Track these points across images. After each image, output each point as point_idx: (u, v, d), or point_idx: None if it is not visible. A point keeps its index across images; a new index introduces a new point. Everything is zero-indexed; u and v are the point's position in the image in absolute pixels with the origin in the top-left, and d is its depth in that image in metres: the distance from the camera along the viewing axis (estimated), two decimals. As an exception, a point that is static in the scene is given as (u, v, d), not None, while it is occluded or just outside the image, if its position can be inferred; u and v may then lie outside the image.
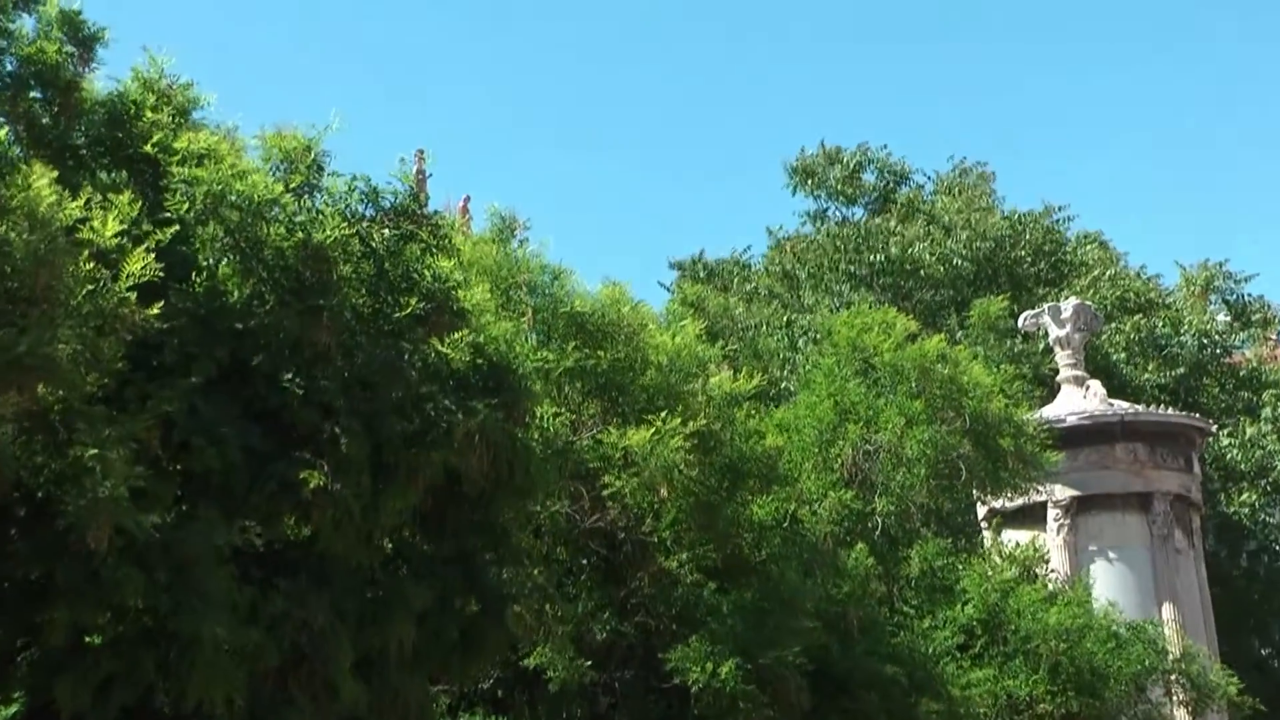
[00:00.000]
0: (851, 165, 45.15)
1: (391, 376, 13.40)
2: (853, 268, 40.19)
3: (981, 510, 30.53)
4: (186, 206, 12.71)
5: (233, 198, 12.74)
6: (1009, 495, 25.75)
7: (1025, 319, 33.67)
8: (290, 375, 12.81)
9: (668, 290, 42.74)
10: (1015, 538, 27.44)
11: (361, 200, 13.86)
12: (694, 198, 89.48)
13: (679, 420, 18.09)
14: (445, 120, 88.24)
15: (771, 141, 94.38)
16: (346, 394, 13.07)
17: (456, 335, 13.82)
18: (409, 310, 13.64)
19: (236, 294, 12.92)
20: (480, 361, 14.34)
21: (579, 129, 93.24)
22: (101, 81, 13.88)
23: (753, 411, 20.88)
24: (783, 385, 32.55)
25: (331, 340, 13.02)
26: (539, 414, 16.59)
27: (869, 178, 45.94)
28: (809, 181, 45.13)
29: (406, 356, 13.67)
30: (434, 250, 14.17)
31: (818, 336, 32.59)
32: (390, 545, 14.12)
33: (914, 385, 23.48)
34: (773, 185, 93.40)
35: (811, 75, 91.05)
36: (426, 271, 13.89)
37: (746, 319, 37.80)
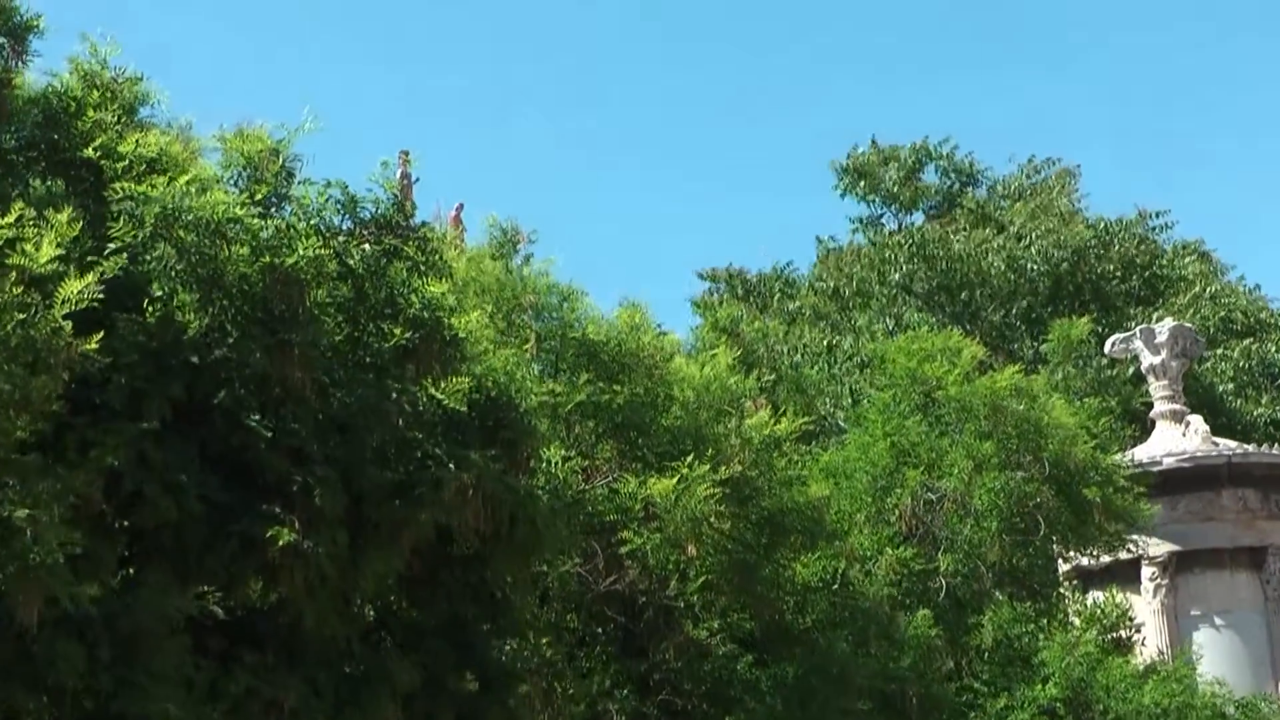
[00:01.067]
0: (910, 164, 45.26)
1: (373, 418, 13.38)
2: (911, 283, 40.19)
3: (1063, 569, 30.11)
4: (134, 230, 12.73)
5: (188, 216, 12.76)
6: (1096, 552, 25.65)
7: (1114, 343, 33.44)
8: (256, 417, 12.84)
9: (697, 309, 42.83)
10: (1103, 601, 27.23)
11: (337, 211, 13.89)
12: (726, 207, 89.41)
13: (708, 466, 18.06)
14: (435, 116, 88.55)
15: (815, 142, 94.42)
16: (321, 438, 13.07)
17: (451, 377, 13.84)
18: (394, 341, 13.64)
19: (194, 325, 12.92)
20: (477, 397, 14.35)
21: (591, 127, 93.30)
22: (36, 76, 13.95)
23: (795, 455, 20.93)
24: (830, 423, 32.71)
25: (304, 377, 13.01)
26: (545, 459, 16.59)
27: (930, 178, 46.12)
28: (861, 183, 45.24)
29: (391, 395, 13.67)
30: (423, 269, 14.14)
31: (870, 365, 32.56)
32: (372, 613, 14.09)
33: (984, 423, 23.51)
34: (818, 190, 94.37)
35: (859, 69, 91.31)
36: (414, 295, 13.87)
37: (788, 344, 37.79)
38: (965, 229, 42.23)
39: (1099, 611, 24.74)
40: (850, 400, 31.47)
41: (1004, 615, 23.06)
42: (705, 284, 45.56)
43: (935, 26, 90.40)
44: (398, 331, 13.66)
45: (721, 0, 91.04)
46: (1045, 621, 24.28)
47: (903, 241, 41.13)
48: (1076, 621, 24.40)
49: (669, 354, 20.08)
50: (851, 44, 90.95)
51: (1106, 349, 34.29)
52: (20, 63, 13.68)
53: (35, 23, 13.67)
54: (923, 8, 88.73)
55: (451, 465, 13.38)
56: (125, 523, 12.31)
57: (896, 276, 40.34)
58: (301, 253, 13.10)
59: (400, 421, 13.69)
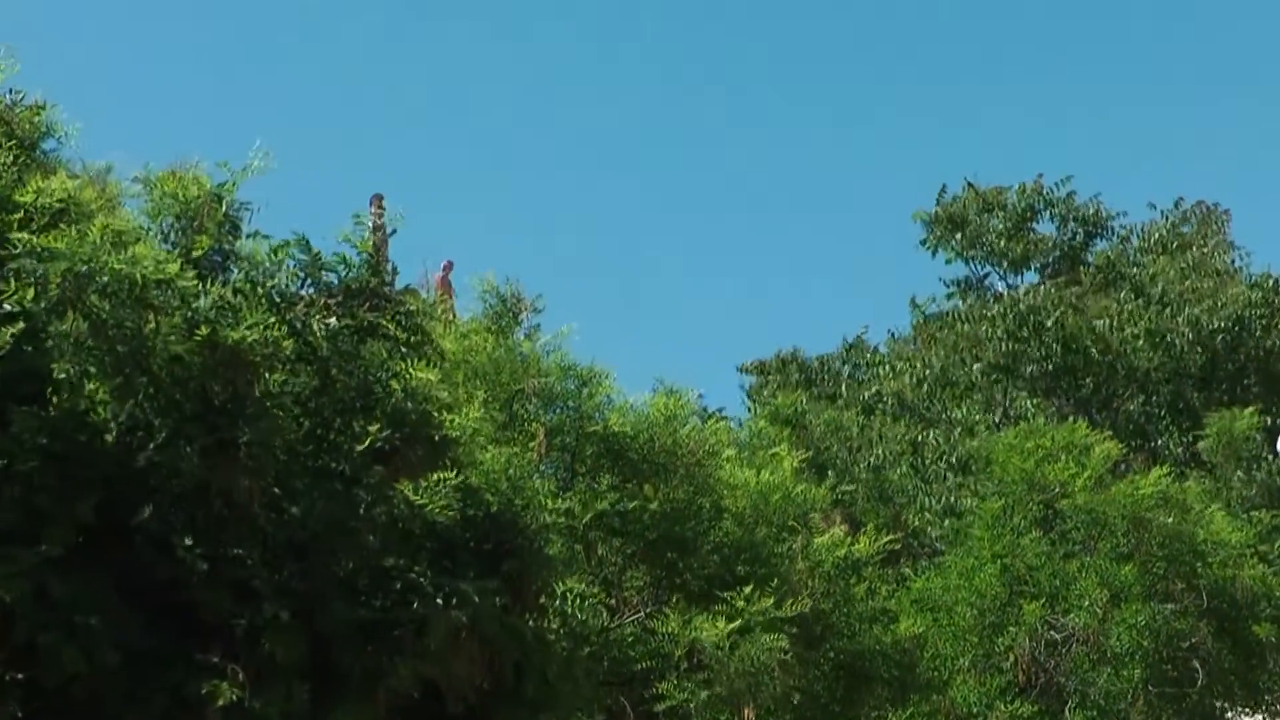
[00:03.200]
0: (1019, 210, 45.06)
1: (340, 540, 13.33)
2: (1015, 363, 39.92)
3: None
4: (33, 295, 12.58)
5: (103, 278, 12.61)
6: (1273, 707, 25.49)
7: (1288, 439, 33.41)
8: (189, 541, 12.69)
9: (749, 401, 42.49)
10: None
11: (297, 275, 13.84)
12: (767, 286, 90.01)
13: (771, 599, 17.92)
14: (416, 159, 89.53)
15: (886, 193, 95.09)
16: (273, 566, 12.98)
17: (437, 476, 13.76)
18: (369, 442, 13.55)
19: (110, 420, 12.83)
20: (473, 513, 14.23)
21: (610, 175, 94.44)
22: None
23: (879, 583, 20.84)
24: (923, 541, 32.46)
25: (251, 487, 12.95)
26: (559, 591, 16.50)
27: (1046, 229, 45.87)
28: (956, 236, 45.00)
29: (363, 510, 13.60)
30: (405, 349, 14.10)
31: (973, 466, 32.38)
32: (338, 793, 14.05)
33: (1122, 541, 23.45)
34: (900, 248, 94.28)
35: (933, 105, 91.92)
36: (394, 382, 13.80)
37: (864, 440, 37.54)
38: (1092, 292, 42.03)
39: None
40: (948, 512, 31.21)
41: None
42: (748, 380, 45.17)
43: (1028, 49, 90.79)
44: (373, 429, 13.57)
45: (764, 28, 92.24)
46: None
47: (1008, 309, 40.77)
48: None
49: (715, 450, 19.82)
50: (923, 77, 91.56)
51: (1279, 446, 34.07)
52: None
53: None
54: (1002, 25, 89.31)
55: (440, 600, 13.30)
56: (19, 676, 12.12)
57: (996, 354, 40.01)
58: (250, 327, 13.00)
59: (375, 543, 13.63)
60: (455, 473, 14.03)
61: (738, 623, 17.78)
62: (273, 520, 13.27)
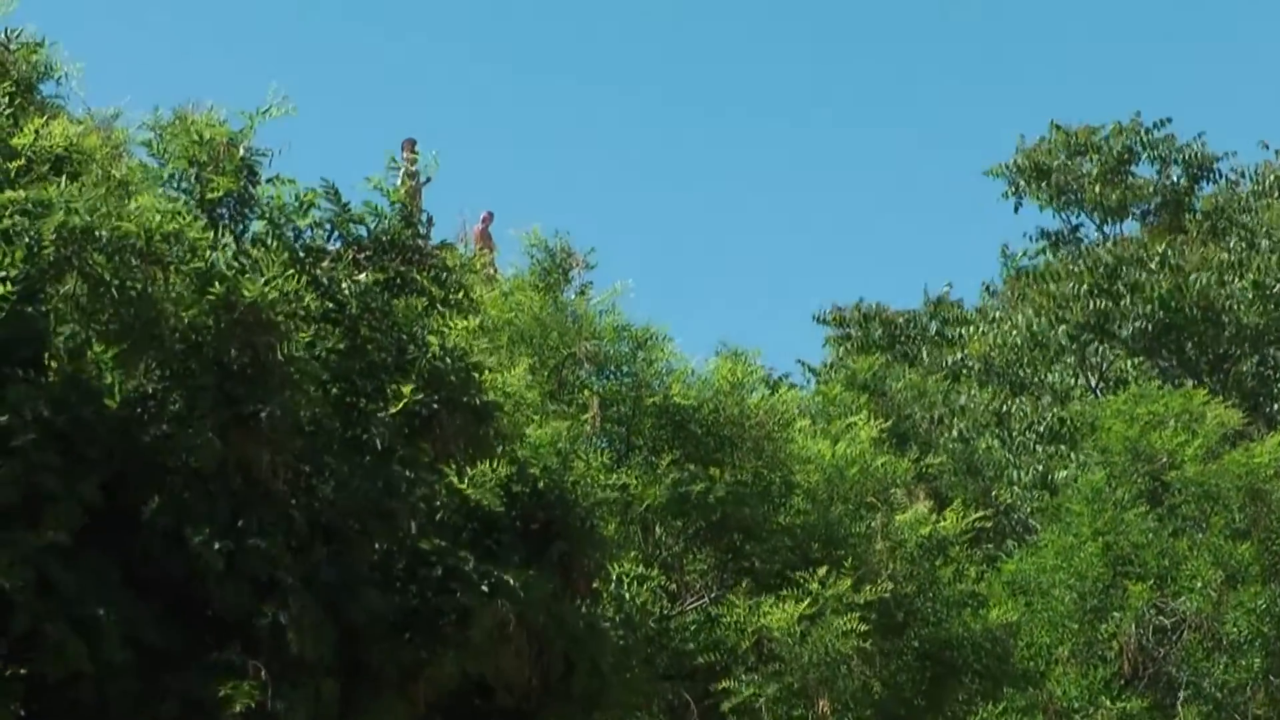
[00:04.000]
0: (1116, 153, 44.68)
1: (373, 521, 13.28)
2: (1107, 322, 39.63)
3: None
4: (28, 254, 12.40)
5: (106, 232, 12.49)
6: None
7: None
8: (205, 529, 12.50)
9: (813, 376, 42.21)
10: None
11: (322, 228, 13.84)
12: (847, 234, 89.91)
13: (848, 582, 17.94)
14: (453, 102, 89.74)
15: (956, 147, 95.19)
16: (299, 553, 12.90)
17: (484, 462, 13.70)
18: (401, 406, 13.47)
19: (116, 390, 12.78)
20: (519, 489, 14.21)
21: (669, 123, 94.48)
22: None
23: (968, 564, 20.73)
24: (1016, 519, 32.43)
25: (275, 464, 12.88)
26: (613, 575, 16.55)
27: (1145, 172, 45.49)
28: (1043, 183, 44.67)
29: (399, 488, 13.49)
30: (441, 306, 14.09)
31: (1070, 435, 32.33)
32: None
33: (1238, 517, 23.35)
34: (980, 201, 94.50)
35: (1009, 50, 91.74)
36: (431, 340, 13.74)
37: (949, 408, 37.37)
38: (1200, 241, 41.72)
39: None
40: (1044, 487, 31.12)
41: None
42: (825, 332, 44.82)
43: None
44: (407, 392, 13.45)
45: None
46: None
47: (1117, 264, 40.47)
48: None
49: (787, 420, 19.73)
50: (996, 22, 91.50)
51: None
52: None
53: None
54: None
55: (485, 588, 13.25)
56: (21, 671, 12.06)
57: (1085, 312, 39.69)
58: (270, 282, 12.91)
59: (412, 525, 13.57)
60: (499, 446, 14.03)
61: (809, 606, 17.75)
62: (298, 502, 13.17)
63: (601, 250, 23.23)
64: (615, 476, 17.56)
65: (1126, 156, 45.40)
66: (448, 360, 13.79)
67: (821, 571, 18.01)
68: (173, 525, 12.64)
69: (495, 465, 13.84)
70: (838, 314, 44.47)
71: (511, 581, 13.33)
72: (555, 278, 20.42)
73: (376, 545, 13.39)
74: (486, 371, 14.19)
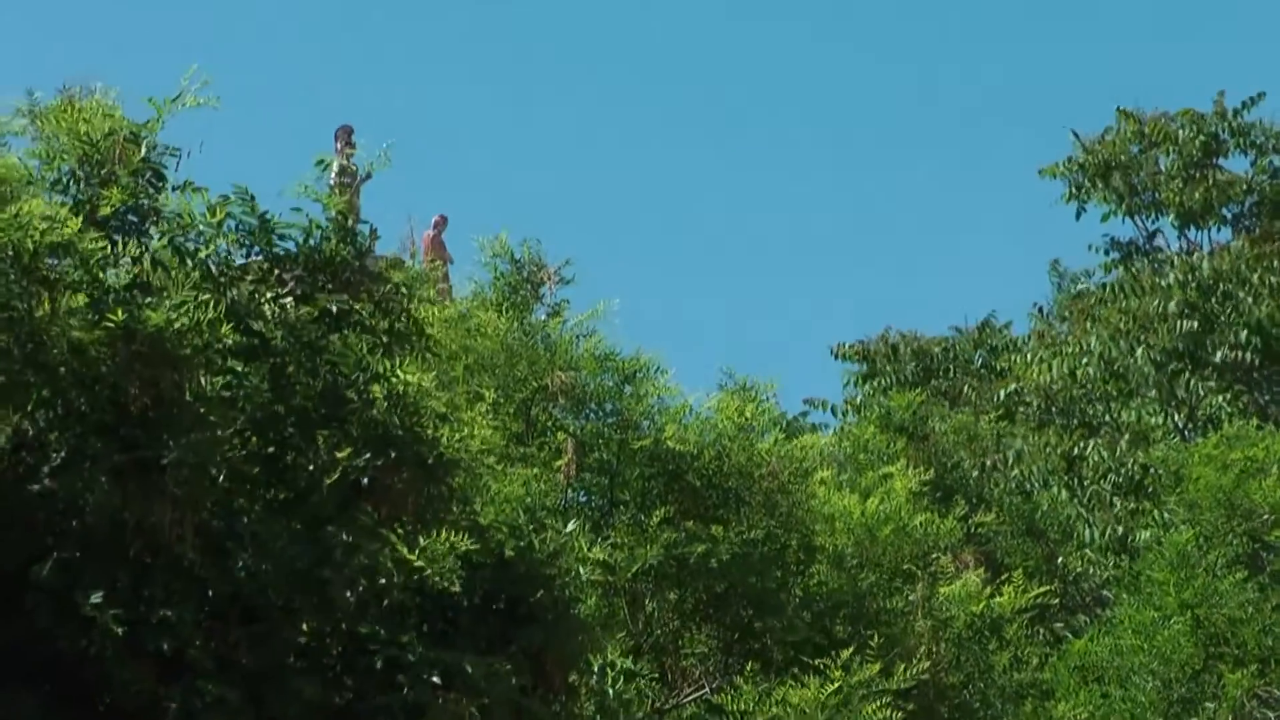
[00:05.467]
0: (1197, 145, 44.57)
1: (304, 596, 13.41)
2: (1198, 349, 39.65)
3: None
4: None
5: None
6: None
7: None
8: (97, 597, 12.64)
9: (846, 401, 42.15)
10: None
11: (241, 242, 13.98)
12: (878, 256, 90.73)
13: (877, 665, 17.89)
14: (399, 88, 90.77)
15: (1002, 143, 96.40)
16: (213, 631, 13.08)
17: (440, 530, 13.78)
18: (340, 465, 13.62)
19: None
20: (480, 559, 14.35)
21: (659, 122, 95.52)
22: None
23: (1028, 644, 20.87)
24: (1085, 588, 32.33)
25: (183, 523, 12.98)
26: (594, 663, 16.45)
27: (1237, 166, 45.35)
28: (1109, 179, 44.56)
29: (334, 556, 13.66)
30: (387, 342, 14.21)
31: (1151, 486, 32.40)
32: None
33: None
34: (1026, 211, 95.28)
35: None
36: (376, 389, 13.87)
37: (1002, 452, 37.51)
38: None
39: None
40: (1121, 550, 31.30)
41: None
42: (845, 368, 44.65)
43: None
44: (346, 451, 13.32)
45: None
46: None
47: (1186, 277, 40.40)
48: None
49: (807, 470, 19.80)
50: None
51: None
52: None
53: None
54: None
55: (436, 678, 13.51)
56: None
57: (1172, 336, 39.68)
58: (177, 308, 13.08)
59: (350, 600, 13.72)
60: (457, 508, 14.20)
61: (835, 694, 17.63)
62: (212, 569, 13.30)
63: (581, 265, 23.25)
64: (597, 549, 17.33)
65: (1213, 147, 44.97)
66: (396, 415, 13.98)
67: (846, 654, 17.85)
68: (63, 590, 12.78)
69: (451, 533, 13.73)
70: (861, 348, 44.13)
71: (470, 671, 13.41)
72: (524, 295, 20.45)
73: (305, 624, 13.48)
74: (445, 425, 14.23)
